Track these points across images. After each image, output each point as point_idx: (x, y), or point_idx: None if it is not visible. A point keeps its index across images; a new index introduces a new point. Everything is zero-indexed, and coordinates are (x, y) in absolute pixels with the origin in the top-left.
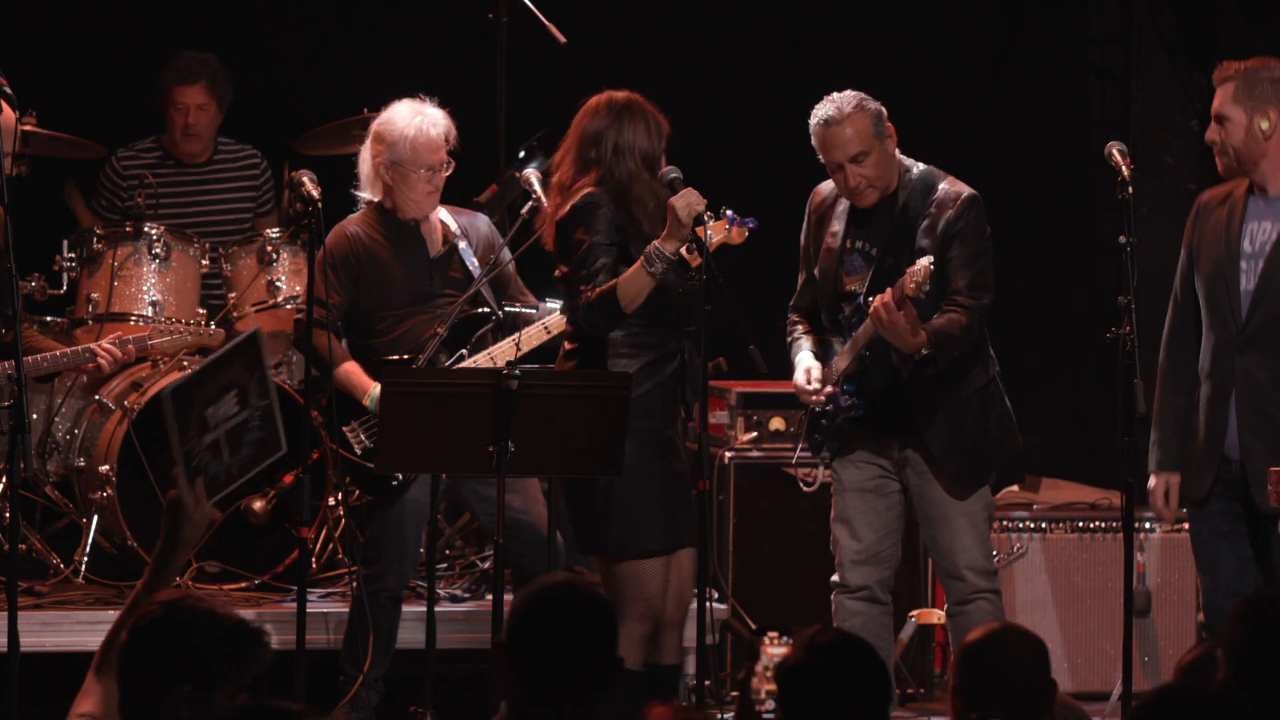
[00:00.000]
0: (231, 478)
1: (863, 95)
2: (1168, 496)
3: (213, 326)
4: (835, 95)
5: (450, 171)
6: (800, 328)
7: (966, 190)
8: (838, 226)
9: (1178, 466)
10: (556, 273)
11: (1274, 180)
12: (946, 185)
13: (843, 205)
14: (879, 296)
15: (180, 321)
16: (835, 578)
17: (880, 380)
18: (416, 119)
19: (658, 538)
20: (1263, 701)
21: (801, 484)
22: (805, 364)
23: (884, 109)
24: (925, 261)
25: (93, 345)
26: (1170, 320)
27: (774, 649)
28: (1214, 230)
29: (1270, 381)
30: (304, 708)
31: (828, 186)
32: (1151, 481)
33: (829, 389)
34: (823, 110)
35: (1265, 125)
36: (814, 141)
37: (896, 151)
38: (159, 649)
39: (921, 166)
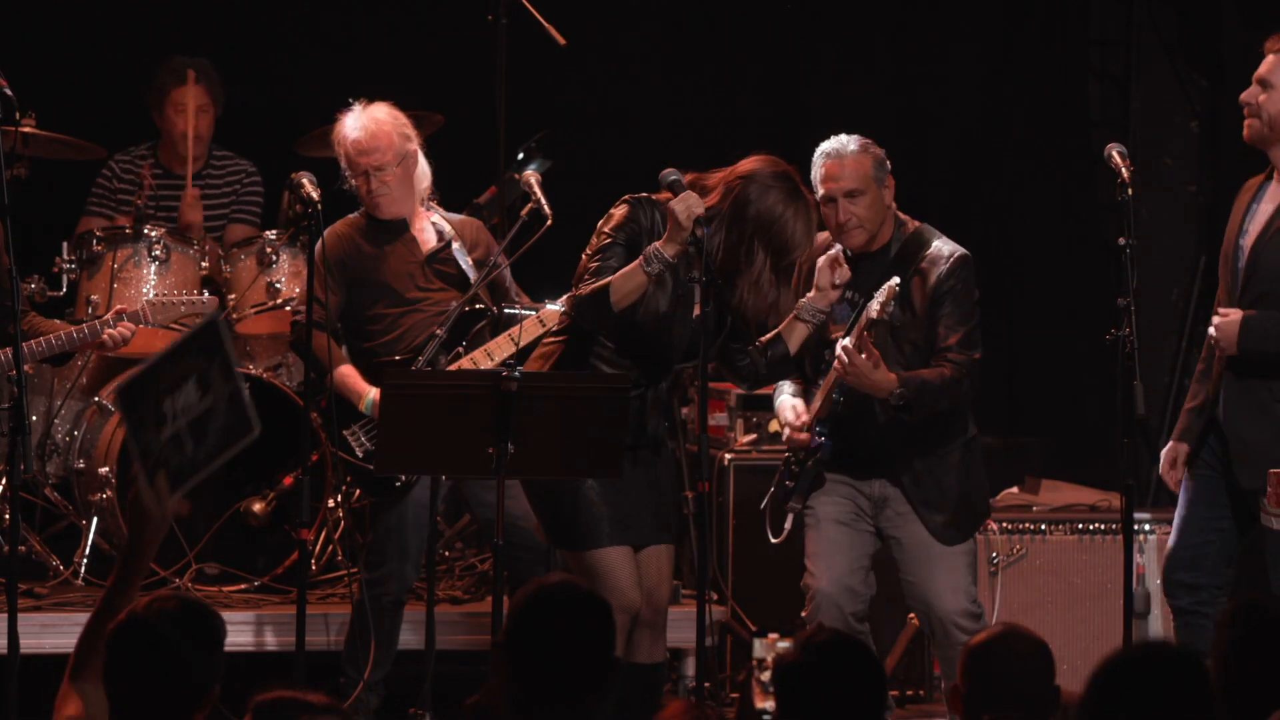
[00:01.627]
0: (198, 468)
1: (869, 140)
2: (1175, 464)
3: (206, 294)
4: (844, 135)
5: (390, 176)
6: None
7: (959, 250)
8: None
9: (1193, 441)
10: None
11: None
12: (939, 243)
13: (835, 252)
14: (841, 342)
15: (177, 291)
16: (805, 613)
17: (857, 424)
18: (350, 120)
19: (582, 535)
20: (1250, 705)
21: (769, 534)
22: (790, 403)
23: (888, 160)
24: (891, 283)
25: (99, 326)
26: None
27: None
28: (1234, 216)
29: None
30: (327, 700)
31: (822, 237)
32: (1165, 448)
33: (805, 436)
34: (827, 144)
35: None
36: (814, 174)
37: (893, 204)
38: (140, 655)
39: (917, 224)
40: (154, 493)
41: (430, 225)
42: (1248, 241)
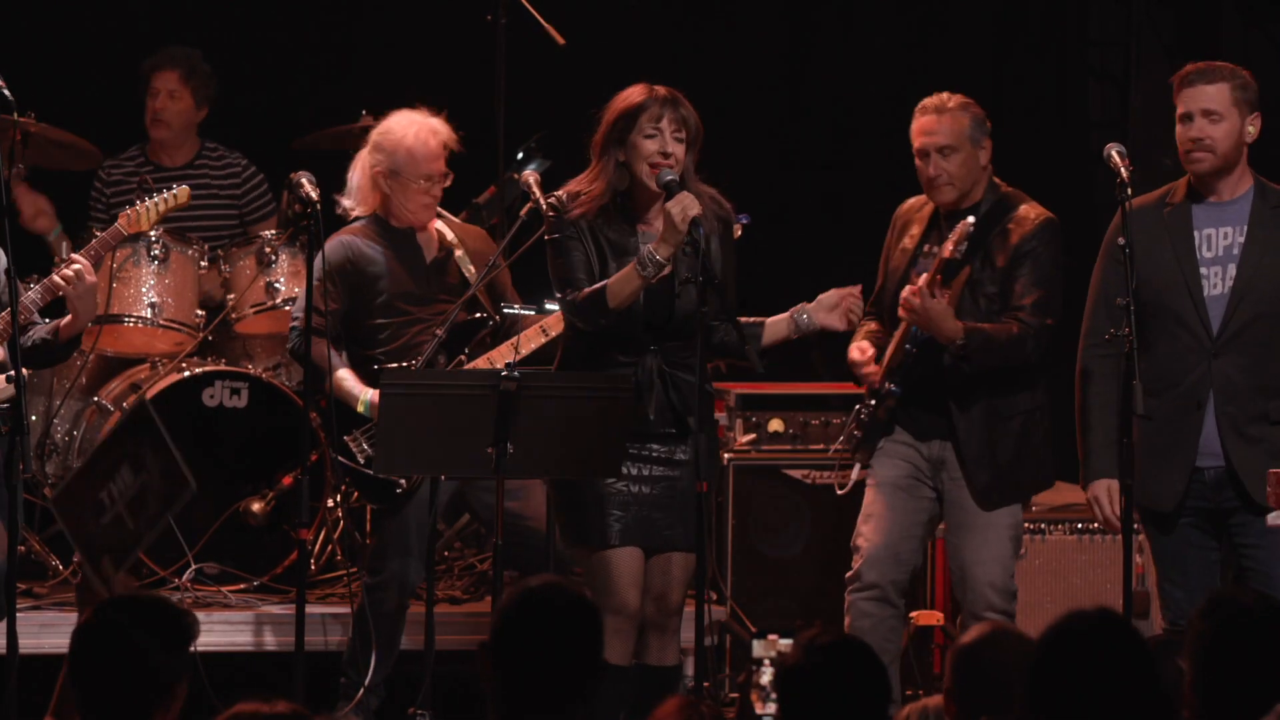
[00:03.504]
0: (140, 537)
1: (971, 100)
2: (1112, 502)
3: (175, 188)
4: (945, 93)
5: (448, 183)
6: (866, 324)
7: (1046, 214)
8: (917, 230)
9: (1117, 473)
10: None
11: (1232, 186)
12: (1027, 207)
13: (926, 211)
14: (912, 283)
15: (152, 196)
16: (850, 573)
17: (924, 380)
18: (414, 128)
19: (591, 533)
20: (1227, 698)
21: (836, 486)
22: (858, 343)
23: (989, 123)
24: (965, 221)
25: (55, 275)
26: (1090, 324)
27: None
28: (1157, 239)
29: (1248, 383)
30: (293, 707)
31: (915, 200)
32: (1093, 489)
33: (876, 369)
34: (928, 99)
35: (1252, 130)
36: (912, 127)
37: (989, 165)
38: (106, 653)
39: (1012, 190)
40: (99, 577)
41: (435, 232)
42: (1225, 268)
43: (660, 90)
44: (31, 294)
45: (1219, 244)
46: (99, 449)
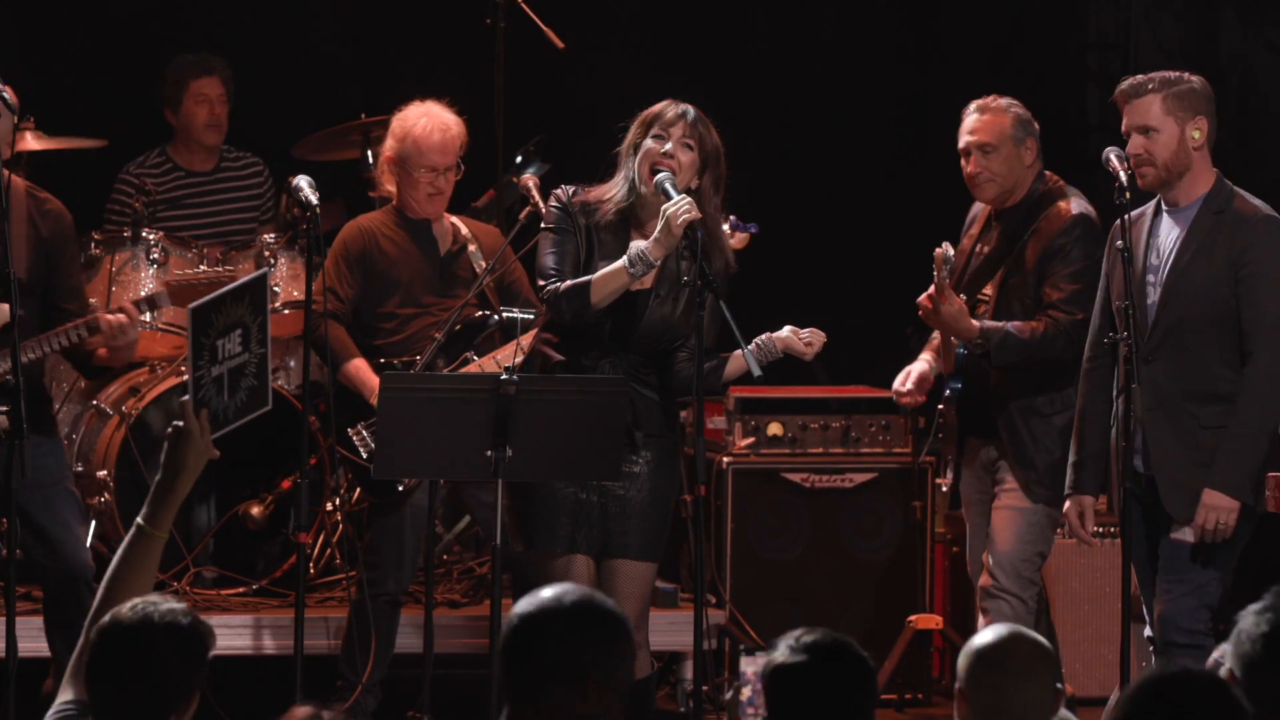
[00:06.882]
0: (227, 420)
1: (1018, 104)
2: (1082, 519)
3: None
4: (997, 95)
5: (459, 177)
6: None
7: (1078, 210)
8: (975, 230)
9: (1094, 490)
10: None
11: (1186, 192)
12: (1064, 202)
13: (985, 212)
14: (924, 295)
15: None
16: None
17: (975, 381)
18: (424, 120)
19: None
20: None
21: (943, 487)
22: (907, 368)
23: (1036, 124)
24: (940, 248)
25: (98, 316)
26: (1091, 337)
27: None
28: (1118, 253)
29: (1174, 388)
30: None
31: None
32: (1066, 505)
33: (917, 398)
34: (976, 100)
35: (1197, 134)
36: (959, 130)
37: (1036, 164)
38: (122, 658)
39: (1057, 184)
40: (200, 424)
41: (450, 225)
42: (1161, 275)
43: (685, 106)
44: (65, 332)
45: (1165, 252)
46: (227, 294)
